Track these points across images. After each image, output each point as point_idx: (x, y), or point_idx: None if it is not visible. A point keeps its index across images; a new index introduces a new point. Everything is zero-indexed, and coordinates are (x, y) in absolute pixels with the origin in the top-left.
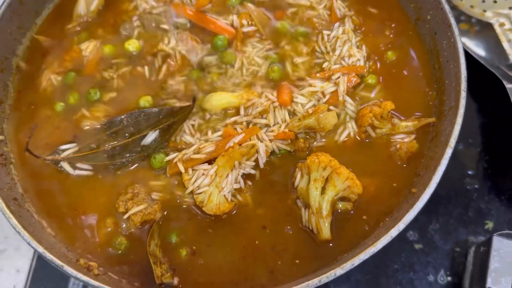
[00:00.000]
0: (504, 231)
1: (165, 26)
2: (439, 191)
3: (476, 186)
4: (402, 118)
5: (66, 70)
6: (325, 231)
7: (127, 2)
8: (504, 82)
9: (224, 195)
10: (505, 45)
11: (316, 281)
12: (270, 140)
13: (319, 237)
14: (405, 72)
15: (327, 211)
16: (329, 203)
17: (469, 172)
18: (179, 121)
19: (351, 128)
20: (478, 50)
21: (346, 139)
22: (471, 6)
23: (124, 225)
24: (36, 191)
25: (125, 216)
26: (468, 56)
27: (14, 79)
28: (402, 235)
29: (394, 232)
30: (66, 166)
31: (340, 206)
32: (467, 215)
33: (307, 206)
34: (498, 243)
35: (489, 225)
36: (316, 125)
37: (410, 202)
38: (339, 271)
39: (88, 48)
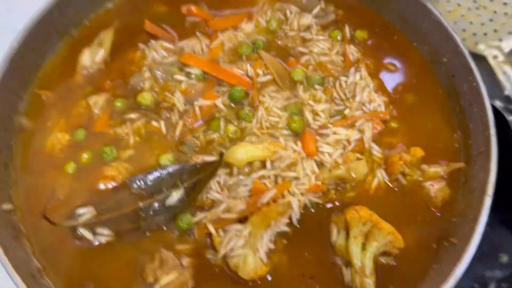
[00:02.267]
0: None
1: (178, 77)
2: None
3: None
4: (429, 164)
5: (75, 127)
6: None
7: (134, 51)
8: (505, 115)
9: (260, 257)
10: (501, 77)
11: None
12: (302, 194)
13: None
14: (426, 116)
15: (370, 269)
16: (371, 260)
17: None
18: (206, 178)
19: (380, 176)
20: None
21: (376, 188)
22: (463, 39)
23: None
24: (54, 264)
25: None
26: None
27: (19, 139)
28: None
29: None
30: (85, 232)
31: (382, 261)
32: (480, 249)
33: (348, 264)
34: None
35: (504, 258)
36: (347, 176)
37: (453, 254)
38: None
39: (98, 102)
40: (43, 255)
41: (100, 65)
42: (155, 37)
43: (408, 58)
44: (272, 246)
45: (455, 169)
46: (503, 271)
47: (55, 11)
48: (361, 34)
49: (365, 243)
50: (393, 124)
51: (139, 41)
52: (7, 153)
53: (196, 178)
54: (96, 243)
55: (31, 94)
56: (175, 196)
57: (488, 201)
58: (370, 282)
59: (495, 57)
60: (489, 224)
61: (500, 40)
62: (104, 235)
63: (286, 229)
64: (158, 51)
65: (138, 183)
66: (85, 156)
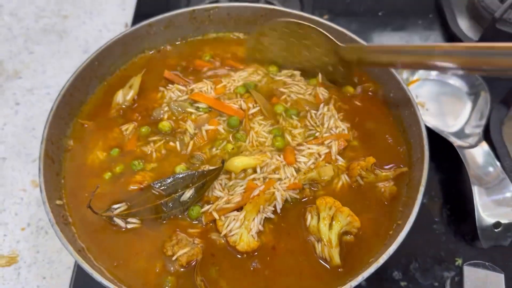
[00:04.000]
0: (472, 261)
1: (190, 110)
2: (415, 237)
3: (443, 230)
4: (381, 169)
5: (110, 147)
6: (336, 258)
7: (156, 92)
8: (454, 144)
9: (252, 235)
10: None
11: None
12: (284, 190)
13: (331, 264)
14: (379, 135)
15: (335, 242)
16: (336, 235)
17: (436, 219)
18: (211, 180)
19: (343, 179)
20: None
21: (341, 187)
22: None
23: (171, 266)
24: (95, 244)
25: (174, 258)
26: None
27: (66, 156)
28: (389, 275)
29: (391, 249)
30: (118, 221)
31: (347, 238)
32: (440, 254)
33: (319, 240)
34: (468, 271)
35: (459, 261)
36: (317, 177)
37: (398, 231)
38: (354, 283)
39: (128, 129)
40: (86, 237)
41: (130, 102)
42: (172, 82)
43: (365, 95)
44: (261, 228)
45: (400, 173)
46: (457, 271)
47: (96, 63)
48: None
49: (331, 223)
50: (354, 143)
51: (160, 85)
52: (58, 165)
53: (203, 180)
54: (129, 226)
55: (76, 123)
56: (188, 194)
57: (422, 190)
58: (335, 251)
59: None
60: (446, 235)
61: None
62: (133, 223)
63: (272, 216)
64: (174, 92)
65: (159, 185)
66: (118, 167)
